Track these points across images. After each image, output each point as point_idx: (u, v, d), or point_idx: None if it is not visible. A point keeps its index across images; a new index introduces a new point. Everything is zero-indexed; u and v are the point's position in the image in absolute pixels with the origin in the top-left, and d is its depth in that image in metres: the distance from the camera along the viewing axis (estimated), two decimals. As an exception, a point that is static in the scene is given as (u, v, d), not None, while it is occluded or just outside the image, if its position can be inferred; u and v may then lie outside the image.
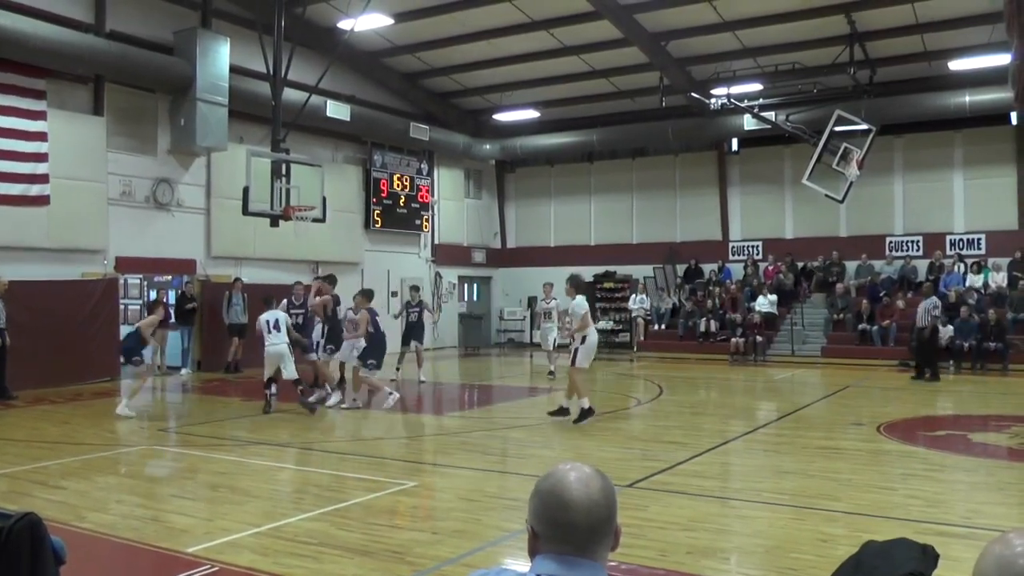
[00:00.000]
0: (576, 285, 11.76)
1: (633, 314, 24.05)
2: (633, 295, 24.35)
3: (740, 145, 24.03)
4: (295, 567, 5.38)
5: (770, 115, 20.63)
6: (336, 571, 5.32)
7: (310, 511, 6.83)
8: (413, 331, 16.69)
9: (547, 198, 27.55)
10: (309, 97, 18.18)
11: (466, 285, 27.35)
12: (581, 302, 11.52)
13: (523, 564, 1.85)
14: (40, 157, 15.50)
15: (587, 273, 25.43)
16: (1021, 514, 7.00)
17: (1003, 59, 17.36)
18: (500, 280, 27.96)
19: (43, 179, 15.50)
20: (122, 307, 18.63)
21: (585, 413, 11.19)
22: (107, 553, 5.94)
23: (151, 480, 8.51)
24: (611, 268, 25.54)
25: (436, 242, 25.70)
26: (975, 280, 21.00)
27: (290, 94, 17.54)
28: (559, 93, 23.56)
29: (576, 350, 11.40)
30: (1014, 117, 19.99)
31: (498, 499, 7.40)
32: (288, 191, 16.06)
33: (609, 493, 1.81)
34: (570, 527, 1.76)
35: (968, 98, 19.89)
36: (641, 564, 5.27)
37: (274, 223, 16.45)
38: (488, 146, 25.76)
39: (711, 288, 23.50)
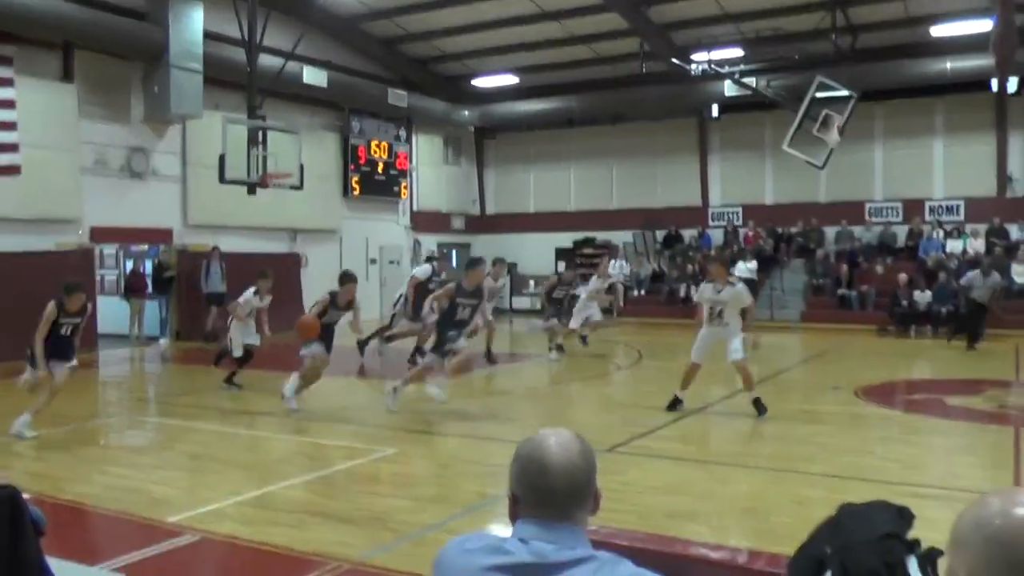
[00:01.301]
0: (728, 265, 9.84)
1: (612, 280, 24.03)
2: (612, 261, 24.37)
3: (720, 111, 23.93)
4: (277, 535, 5.39)
5: (751, 81, 20.55)
6: (318, 538, 5.33)
7: (292, 479, 6.84)
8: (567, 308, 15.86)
9: (526, 164, 27.44)
10: (285, 63, 17.95)
11: (445, 252, 27.26)
12: (746, 290, 9.73)
13: (504, 529, 1.86)
14: (8, 126, 15.19)
15: (566, 239, 25.46)
16: (995, 476, 7.08)
17: (985, 25, 17.30)
18: (479, 247, 27.87)
19: (12, 148, 15.21)
20: (99, 277, 18.48)
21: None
22: (88, 524, 5.93)
23: (132, 451, 8.48)
24: (590, 234, 25.58)
25: (415, 209, 25.57)
26: (954, 246, 21.18)
27: (266, 60, 17.31)
28: (538, 59, 23.37)
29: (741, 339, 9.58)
30: (994, 84, 20.03)
31: (479, 465, 7.42)
32: (265, 159, 15.91)
33: (588, 457, 1.83)
34: (549, 491, 1.78)
35: (949, 64, 19.86)
36: (620, 528, 5.30)
37: (251, 191, 16.31)
38: (467, 112, 25.55)
39: (690, 254, 23.58)
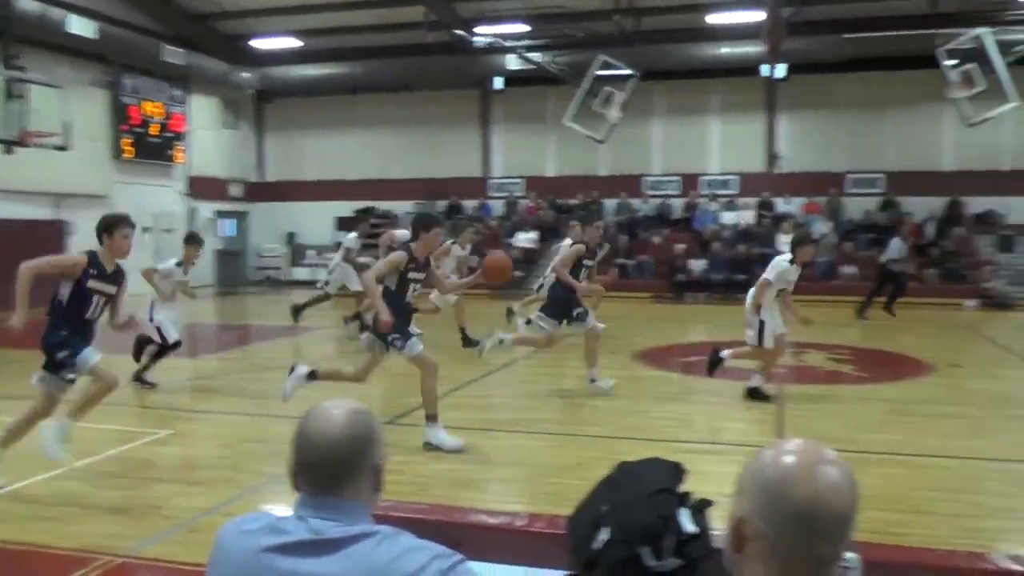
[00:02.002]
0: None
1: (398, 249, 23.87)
2: (394, 231, 24.16)
3: (505, 84, 24.27)
4: (40, 532, 4.95)
5: (536, 56, 20.93)
6: (86, 532, 4.94)
7: (56, 469, 6.27)
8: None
9: (308, 131, 26.71)
10: (47, 9, 16.50)
11: (222, 220, 26.11)
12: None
13: (285, 509, 1.78)
14: None
15: (347, 208, 25.03)
16: (761, 429, 7.63)
17: (755, 16, 18.48)
18: (258, 215, 26.94)
19: None
20: None
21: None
22: None
23: None
24: (371, 203, 25.26)
25: (191, 175, 24.31)
26: (727, 218, 22.62)
27: (25, 4, 15.86)
28: (322, 22, 22.64)
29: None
30: (764, 69, 21.40)
31: (258, 443, 7.14)
32: (25, 114, 14.69)
33: (358, 429, 1.78)
34: (315, 465, 1.74)
35: (723, 50, 21.09)
36: (400, 500, 5.26)
37: (9, 150, 15.03)
38: (247, 74, 24.46)
39: (472, 224, 23.89)
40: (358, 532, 1.67)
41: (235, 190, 26.27)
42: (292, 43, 23.39)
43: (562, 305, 9.04)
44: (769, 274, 8.66)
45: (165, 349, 9.37)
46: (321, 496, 1.72)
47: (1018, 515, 5.48)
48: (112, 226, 5.91)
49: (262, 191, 26.96)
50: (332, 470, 1.73)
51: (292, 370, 7.35)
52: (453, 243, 12.68)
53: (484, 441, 7.16)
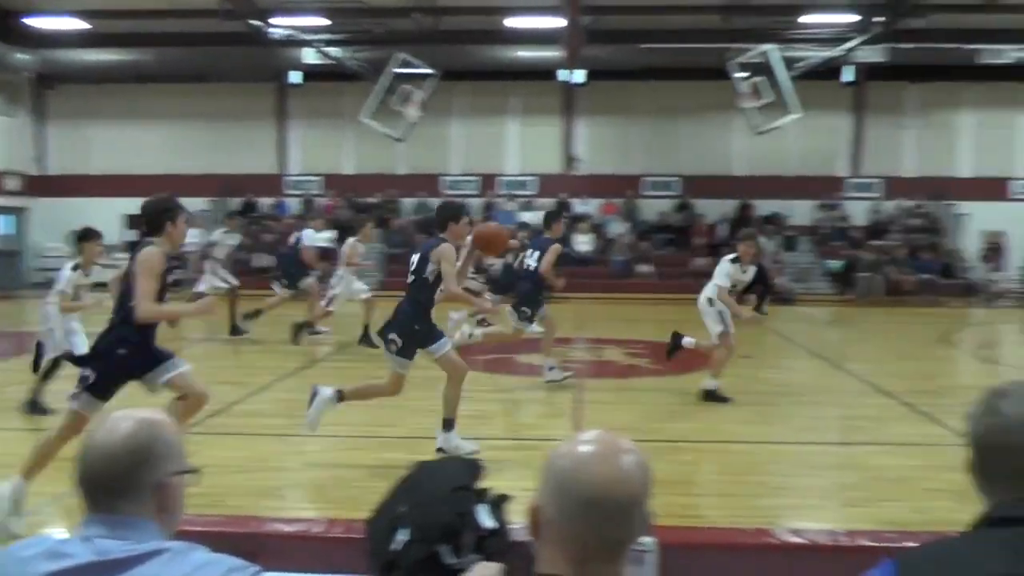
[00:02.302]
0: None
1: (186, 250, 22.82)
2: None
3: (303, 79, 23.80)
4: None
5: (335, 51, 20.63)
6: None
7: None
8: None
9: (95, 121, 25.18)
10: None
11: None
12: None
13: (68, 531, 1.67)
14: None
15: (136, 205, 23.65)
16: (558, 423, 7.88)
17: (553, 21, 18.98)
18: (38, 211, 25.09)
19: None
20: None
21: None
22: None
23: None
24: (162, 201, 24.17)
25: (-41, 166, 22.37)
26: (525, 218, 23.14)
27: None
28: (110, 3, 21.29)
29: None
30: (563, 74, 22.04)
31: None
32: None
33: (141, 441, 1.68)
34: (90, 480, 1.65)
35: (522, 53, 21.59)
36: (195, 514, 5.05)
37: None
38: (24, 56, 22.63)
39: (265, 223, 23.28)
40: (147, 550, 1.59)
41: (11, 183, 24.41)
42: (77, 24, 21.92)
43: (534, 301, 9.20)
44: (718, 279, 8.65)
45: (58, 362, 7.98)
46: (106, 513, 1.63)
47: (798, 492, 5.89)
48: (174, 211, 5.25)
49: (43, 185, 25.15)
50: (113, 484, 1.64)
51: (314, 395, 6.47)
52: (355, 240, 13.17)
53: (282, 447, 6.98)
